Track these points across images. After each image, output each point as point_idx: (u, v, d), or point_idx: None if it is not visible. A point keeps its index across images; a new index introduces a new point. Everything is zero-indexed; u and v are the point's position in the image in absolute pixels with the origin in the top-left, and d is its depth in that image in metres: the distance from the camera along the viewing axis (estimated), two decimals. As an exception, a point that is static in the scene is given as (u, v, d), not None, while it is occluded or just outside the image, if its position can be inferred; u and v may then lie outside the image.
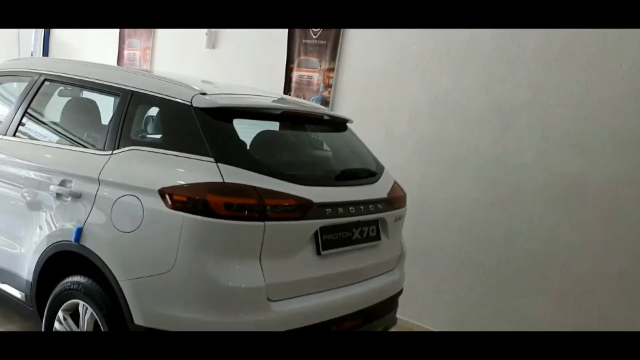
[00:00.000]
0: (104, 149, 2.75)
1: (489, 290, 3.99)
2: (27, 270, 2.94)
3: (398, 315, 4.29)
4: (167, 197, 2.37)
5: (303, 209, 2.50)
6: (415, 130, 4.36)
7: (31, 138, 3.29)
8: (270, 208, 2.38)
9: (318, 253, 2.60)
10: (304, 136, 3.26)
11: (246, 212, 2.34)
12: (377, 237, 2.96)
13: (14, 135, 3.29)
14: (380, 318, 3.03)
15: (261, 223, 2.35)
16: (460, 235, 4.13)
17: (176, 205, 2.35)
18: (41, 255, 2.83)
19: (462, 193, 4.11)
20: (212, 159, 2.43)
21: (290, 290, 2.51)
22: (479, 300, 4.05)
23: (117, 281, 2.46)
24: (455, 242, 4.15)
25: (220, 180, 2.37)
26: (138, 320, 2.40)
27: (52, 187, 2.83)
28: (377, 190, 3.02)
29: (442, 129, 4.21)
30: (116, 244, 2.51)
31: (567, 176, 3.63)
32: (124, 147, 2.69)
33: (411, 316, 4.36)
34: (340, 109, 4.78)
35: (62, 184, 2.80)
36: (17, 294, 3.06)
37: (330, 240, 2.65)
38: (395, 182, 3.24)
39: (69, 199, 2.75)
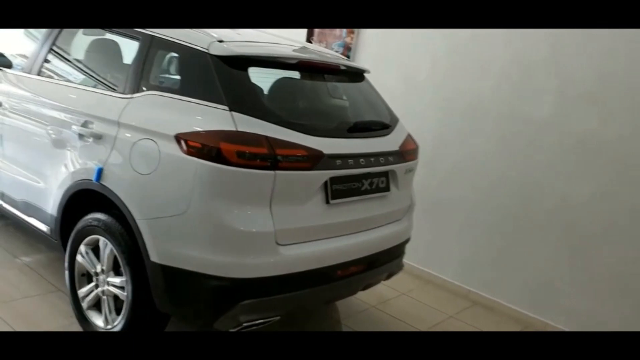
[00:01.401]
0: (124, 92, 2.83)
1: (495, 242, 4.09)
2: (51, 205, 3.10)
3: (407, 261, 4.44)
4: (183, 142, 2.45)
5: (313, 160, 2.57)
6: (434, 79, 4.35)
7: (55, 77, 3.38)
8: (281, 158, 2.46)
9: (327, 202, 2.69)
10: (321, 86, 3.28)
11: (258, 161, 2.41)
12: (387, 189, 3.03)
13: (39, 73, 3.39)
14: (385, 264, 3.14)
15: (272, 172, 2.43)
16: (471, 186, 4.19)
17: (191, 151, 2.44)
18: (65, 192, 2.97)
19: (476, 145, 4.14)
20: (226, 107, 2.49)
21: (299, 235, 2.61)
22: (485, 251, 4.15)
23: (134, 220, 2.59)
24: (467, 193, 4.22)
25: (234, 129, 2.44)
26: (153, 257, 2.53)
27: (74, 127, 2.94)
28: (389, 143, 3.06)
29: (460, 80, 4.20)
30: (134, 185, 2.62)
31: (582, 133, 3.63)
32: (143, 91, 2.76)
33: (419, 262, 4.51)
34: (362, 56, 4.78)
35: (84, 124, 2.90)
36: (42, 227, 3.23)
37: (339, 190, 2.73)
38: (408, 135, 3.28)
39: (91, 139, 2.85)
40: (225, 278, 2.45)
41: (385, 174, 3.00)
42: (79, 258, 2.96)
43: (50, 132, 3.16)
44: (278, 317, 2.66)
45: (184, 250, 2.48)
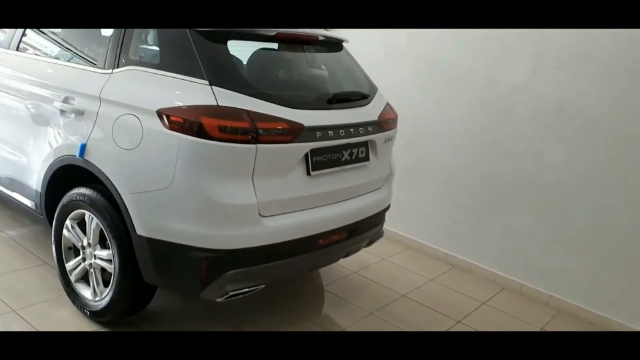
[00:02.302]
0: (104, 67, 2.84)
1: (474, 206, 4.20)
2: (35, 181, 3.13)
3: (387, 227, 4.55)
4: (165, 117, 2.49)
5: (294, 133, 2.62)
6: (414, 49, 4.39)
7: (35, 52, 3.36)
8: (262, 131, 2.50)
9: (308, 174, 2.75)
10: (300, 57, 3.30)
11: (239, 135, 2.46)
12: (366, 158, 3.10)
13: (17, 49, 3.37)
14: (366, 232, 3.24)
15: (253, 145, 2.48)
16: (451, 153, 4.28)
17: (173, 126, 2.47)
18: (48, 167, 3.00)
19: (455, 113, 4.22)
20: (207, 82, 2.52)
21: (281, 207, 2.68)
22: (463, 215, 4.27)
23: (120, 195, 2.64)
24: (446, 160, 4.31)
25: (214, 104, 2.48)
26: (140, 230, 2.60)
27: (55, 103, 2.96)
28: (367, 113, 3.12)
29: (439, 49, 4.25)
30: (119, 160, 2.66)
31: (558, 100, 3.71)
32: (123, 66, 2.78)
33: (401, 228, 4.63)
34: (340, 24, 4.78)
35: (66, 100, 2.91)
36: (27, 202, 3.26)
37: (319, 161, 2.79)
38: (387, 104, 3.33)
39: (73, 115, 2.87)
40: (210, 249, 2.53)
41: (364, 144, 3.07)
42: (65, 232, 3.01)
43: (32, 108, 3.17)
44: (263, 286, 2.75)
45: (169, 223, 2.54)
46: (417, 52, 4.38)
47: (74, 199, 2.89)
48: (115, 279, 2.78)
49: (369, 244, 3.41)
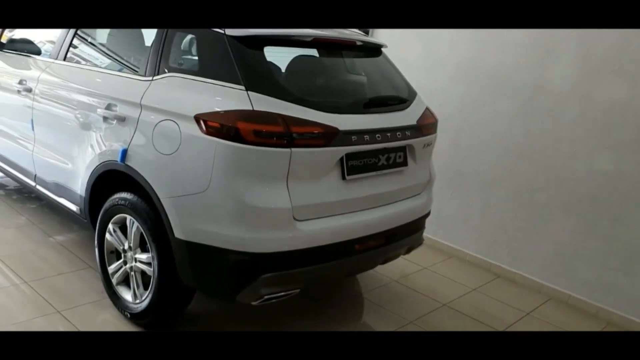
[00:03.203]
0: (145, 75, 2.92)
1: (519, 215, 4.09)
2: (80, 186, 3.23)
3: (430, 236, 4.49)
4: (202, 123, 2.53)
5: (328, 136, 2.62)
6: (455, 53, 4.34)
7: (81, 62, 3.49)
8: (297, 135, 2.51)
9: (343, 178, 2.74)
10: (337, 62, 3.31)
11: (274, 139, 2.48)
12: (404, 163, 3.07)
13: (65, 59, 3.51)
14: (404, 239, 3.19)
15: (288, 149, 2.49)
16: (495, 160, 4.19)
17: (210, 131, 2.51)
18: (92, 172, 3.09)
19: (499, 118, 4.13)
20: (243, 87, 2.55)
21: (316, 211, 2.68)
22: (508, 223, 4.16)
23: (159, 199, 2.69)
24: (490, 167, 4.22)
25: (250, 109, 2.50)
26: (178, 234, 2.64)
27: (99, 110, 3.05)
28: (406, 117, 3.09)
29: (482, 52, 4.18)
30: (158, 165, 2.71)
31: (608, 104, 3.59)
32: (163, 73, 2.84)
33: (444, 237, 4.55)
34: (380, 31, 4.77)
35: (108, 107, 3.00)
36: (72, 207, 3.37)
37: (355, 166, 2.78)
38: (427, 109, 3.29)
39: (115, 121, 2.95)
40: (246, 253, 2.54)
41: (402, 148, 3.04)
42: (107, 236, 3.09)
43: (77, 115, 3.27)
44: (298, 290, 2.74)
45: (205, 226, 2.57)
46: (458, 56, 4.32)
47: (116, 203, 2.97)
48: (154, 282, 2.83)
49: (408, 251, 3.36)
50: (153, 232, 2.78)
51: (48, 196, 3.62)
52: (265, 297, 2.64)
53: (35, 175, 3.71)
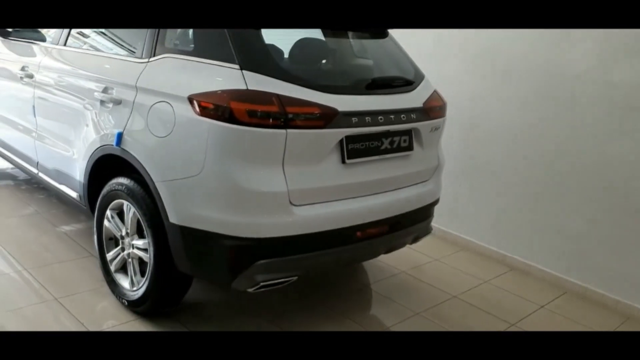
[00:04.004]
0: (141, 57, 2.85)
1: (534, 205, 3.93)
2: (79, 172, 3.18)
3: (443, 228, 4.36)
4: (195, 103, 2.45)
5: (326, 118, 2.51)
6: (466, 38, 4.19)
7: (80, 46, 3.44)
8: (292, 116, 2.42)
9: (343, 162, 2.63)
10: (342, 43, 3.22)
11: (268, 120, 2.38)
12: (410, 148, 2.95)
13: (65, 44, 3.46)
14: (410, 227, 3.07)
15: (283, 131, 2.40)
16: (508, 148, 4.04)
17: (203, 112, 2.43)
18: (89, 158, 3.04)
19: (513, 105, 3.98)
20: (237, 66, 2.46)
21: (314, 196, 2.58)
22: (523, 214, 4.01)
23: (153, 183, 2.61)
24: (503, 156, 4.07)
25: (244, 88, 2.41)
26: (173, 219, 2.56)
27: (96, 93, 2.99)
28: (412, 99, 2.97)
29: (493, 38, 4.02)
30: (152, 148, 2.64)
31: (628, 88, 3.41)
32: (159, 54, 2.77)
33: (456, 228, 4.41)
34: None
35: (105, 90, 2.94)
36: (73, 194, 3.33)
37: (356, 149, 2.67)
38: (435, 91, 3.17)
39: (111, 105, 2.89)
40: (240, 238, 2.46)
41: (407, 132, 2.92)
42: (105, 222, 3.03)
43: (76, 100, 3.23)
44: (295, 277, 2.64)
45: (200, 211, 2.49)
46: (468, 39, 4.17)
47: (114, 188, 2.90)
48: (150, 268, 2.76)
49: (415, 240, 3.23)
50: (148, 217, 2.71)
51: (50, 183, 3.59)
52: (262, 284, 2.55)
53: (38, 163, 3.68)
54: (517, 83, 3.93)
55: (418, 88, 3.06)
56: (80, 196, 3.24)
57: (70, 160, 3.28)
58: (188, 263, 2.61)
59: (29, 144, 3.71)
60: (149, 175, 2.64)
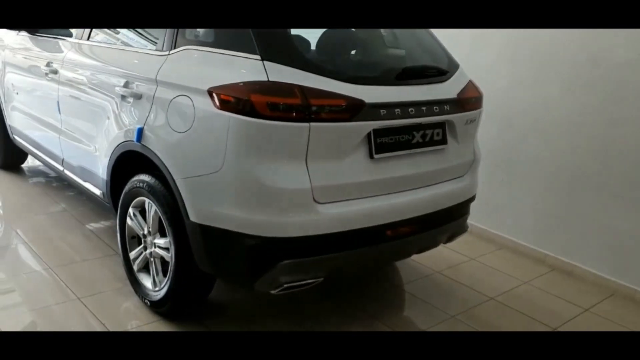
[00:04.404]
0: (162, 50, 2.75)
1: (577, 201, 3.70)
2: (101, 169, 3.11)
3: (481, 225, 4.17)
4: (215, 97, 2.34)
5: (352, 110, 2.37)
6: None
7: (103, 40, 3.37)
8: (316, 108, 2.28)
9: (371, 157, 2.49)
10: (373, 33, 3.07)
11: (290, 113, 2.26)
12: (443, 141, 2.78)
13: (89, 38, 3.40)
14: (443, 225, 2.90)
15: (306, 124, 2.26)
16: (548, 141, 3.81)
17: (223, 106, 2.31)
18: (112, 154, 2.97)
19: (552, 97, 3.75)
20: (258, 57, 2.34)
21: (340, 193, 2.44)
22: (566, 211, 3.78)
23: (173, 179, 2.52)
24: (543, 149, 3.85)
25: (265, 79, 2.29)
26: (192, 217, 2.46)
27: (117, 88, 2.91)
28: (445, 90, 2.80)
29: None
30: (172, 144, 2.54)
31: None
32: (179, 46, 2.67)
33: (494, 226, 4.21)
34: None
35: (126, 85, 2.86)
36: (96, 191, 3.27)
37: (385, 143, 2.52)
38: (470, 82, 2.99)
39: (132, 99, 2.81)
40: (263, 237, 2.34)
41: (441, 124, 2.75)
42: (128, 221, 2.95)
43: (98, 95, 3.16)
44: (321, 279, 2.51)
45: (220, 209, 2.38)
46: (506, 29, 3.95)
47: (135, 186, 2.82)
48: (172, 268, 2.67)
49: (449, 239, 3.06)
50: (169, 215, 2.61)
51: (75, 181, 3.54)
52: (285, 285, 2.43)
53: (63, 160, 3.64)
54: (558, 71, 3.70)
55: (452, 78, 2.89)
56: (103, 194, 3.18)
57: (93, 157, 3.22)
58: (209, 263, 2.51)
59: (55, 141, 3.68)
60: (169, 171, 2.55)
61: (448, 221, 2.94)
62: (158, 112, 2.63)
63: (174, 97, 2.53)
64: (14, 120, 4.33)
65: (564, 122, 3.71)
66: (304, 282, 2.47)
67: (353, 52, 2.97)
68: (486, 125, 3.99)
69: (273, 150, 2.30)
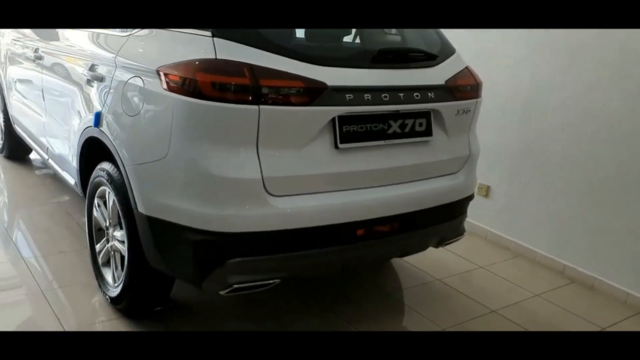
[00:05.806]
0: (126, 29, 2.58)
1: (602, 208, 3.31)
2: (71, 156, 2.98)
3: (494, 230, 3.82)
4: (163, 76, 2.14)
5: (312, 93, 2.12)
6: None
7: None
8: (267, 90, 2.04)
9: (335, 146, 2.23)
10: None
11: (238, 94, 2.03)
12: (428, 133, 2.49)
13: (69, 23, 3.29)
14: (430, 226, 2.60)
15: (255, 107, 2.03)
16: (572, 139, 3.43)
17: (170, 86, 2.11)
18: (78, 141, 2.83)
19: (582, 88, 3.36)
20: (209, 33, 2.13)
21: (298, 185, 2.19)
22: (589, 219, 3.38)
23: (124, 167, 2.34)
24: (566, 149, 3.47)
25: (212, 57, 2.07)
26: (141, 208, 2.27)
27: (83, 71, 2.77)
28: (432, 76, 2.51)
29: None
30: (123, 128, 2.37)
31: None
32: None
33: (509, 232, 3.85)
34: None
35: (91, 68, 2.71)
36: (71, 180, 3.14)
37: (353, 132, 2.25)
38: (466, 68, 2.69)
39: (95, 83, 2.66)
40: (209, 232, 2.12)
41: (424, 114, 2.46)
42: (94, 212, 2.80)
43: (71, 80, 3.04)
44: (277, 281, 2.26)
45: (166, 200, 2.18)
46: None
47: (98, 175, 2.66)
48: (127, 263, 2.49)
49: (440, 242, 2.75)
50: (123, 206, 2.43)
51: (56, 170, 3.43)
52: (235, 286, 2.19)
53: (48, 148, 3.55)
54: (585, 63, 3.31)
55: (443, 64, 2.59)
56: (76, 183, 3.04)
57: (67, 144, 3.10)
58: (158, 258, 2.31)
59: (40, 129, 3.59)
60: (120, 158, 2.37)
61: (437, 222, 2.63)
62: (115, 95, 2.46)
63: (129, 79, 2.36)
64: (14, 110, 4.29)
65: (589, 116, 3.32)
66: (257, 283, 2.23)
67: (327, 30, 2.69)
68: (502, 124, 3.66)
69: (220, 136, 2.07)
